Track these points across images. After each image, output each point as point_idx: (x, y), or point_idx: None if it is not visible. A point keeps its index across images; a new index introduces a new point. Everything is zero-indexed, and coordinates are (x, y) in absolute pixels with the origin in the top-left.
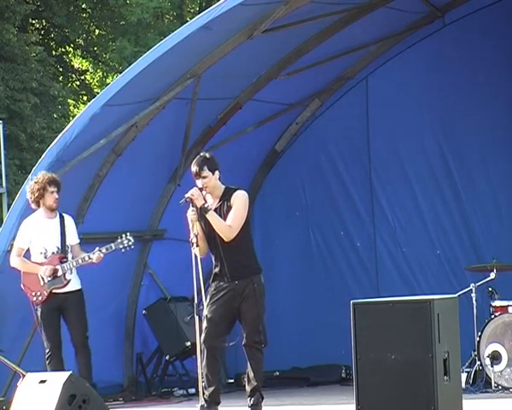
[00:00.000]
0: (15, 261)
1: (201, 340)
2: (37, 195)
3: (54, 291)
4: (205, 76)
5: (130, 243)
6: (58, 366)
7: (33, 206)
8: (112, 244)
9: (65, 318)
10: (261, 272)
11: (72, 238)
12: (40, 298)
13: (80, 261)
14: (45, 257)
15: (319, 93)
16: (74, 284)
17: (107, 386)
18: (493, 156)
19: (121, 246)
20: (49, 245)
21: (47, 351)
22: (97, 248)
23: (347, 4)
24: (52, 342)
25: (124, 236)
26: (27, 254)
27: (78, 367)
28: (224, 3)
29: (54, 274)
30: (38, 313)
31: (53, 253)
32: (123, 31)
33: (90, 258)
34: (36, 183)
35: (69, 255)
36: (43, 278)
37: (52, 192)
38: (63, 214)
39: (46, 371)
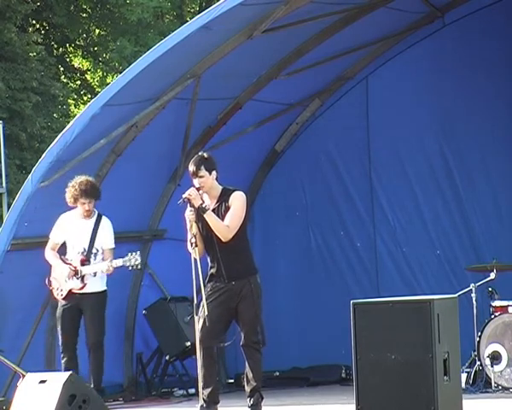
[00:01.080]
0: (46, 254)
1: (198, 340)
2: (70, 201)
3: (73, 291)
4: (205, 76)
5: (137, 263)
6: (69, 366)
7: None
8: (120, 259)
9: (83, 318)
10: (257, 272)
11: (105, 242)
12: (61, 295)
13: (95, 269)
14: (72, 255)
15: (319, 93)
16: (95, 286)
17: (107, 386)
18: (493, 156)
19: (128, 264)
20: (78, 245)
21: (60, 349)
22: (109, 260)
23: (347, 4)
24: (64, 341)
25: (133, 254)
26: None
27: (89, 369)
28: (224, 3)
29: (73, 275)
30: (58, 310)
31: (78, 253)
32: (123, 31)
33: (101, 269)
34: (72, 187)
35: (97, 258)
36: (66, 276)
37: (83, 204)
38: (102, 216)
39: (60, 369)
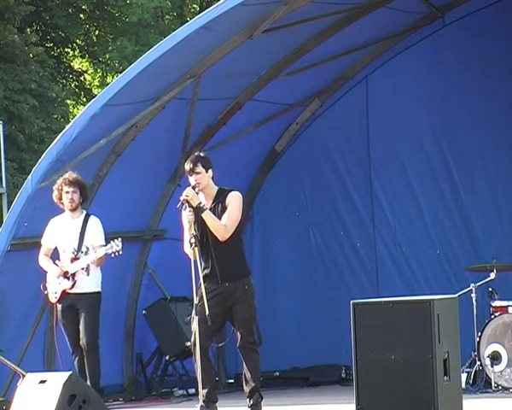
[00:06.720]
0: (40, 260)
1: (193, 340)
2: (55, 196)
3: (67, 291)
4: (205, 76)
5: (119, 249)
6: (82, 363)
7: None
8: (103, 248)
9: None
10: (251, 273)
11: (94, 240)
12: (55, 298)
13: (82, 264)
14: (64, 257)
15: (319, 93)
16: (89, 286)
17: (107, 386)
18: (493, 156)
19: (110, 251)
20: (68, 245)
21: (70, 350)
22: (93, 252)
23: (347, 4)
24: (71, 341)
25: (115, 241)
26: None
27: (87, 371)
28: (224, 3)
29: (62, 275)
30: (58, 313)
31: (69, 253)
32: (123, 31)
33: (87, 262)
34: (57, 183)
35: (89, 255)
36: (57, 278)
37: (67, 192)
38: (90, 215)
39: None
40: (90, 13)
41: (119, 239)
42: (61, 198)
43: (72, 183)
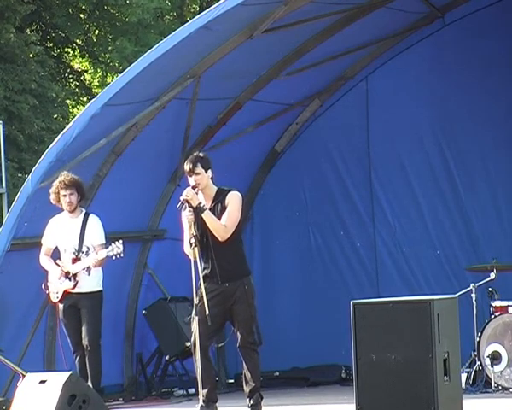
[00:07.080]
0: (40, 259)
1: (193, 341)
2: (53, 199)
3: (68, 291)
4: (205, 76)
5: (120, 251)
6: (83, 362)
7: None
8: (104, 250)
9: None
10: (251, 273)
11: (94, 239)
12: (57, 297)
13: (84, 265)
14: (65, 257)
15: (319, 93)
16: (90, 285)
17: (107, 386)
18: (493, 156)
19: (111, 253)
20: (69, 245)
21: (72, 349)
22: (94, 253)
23: (347, 4)
24: (72, 341)
25: (116, 243)
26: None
27: (88, 370)
28: (224, 3)
29: (64, 275)
30: (59, 313)
31: (70, 253)
32: (123, 31)
33: (89, 264)
34: (54, 186)
35: (90, 256)
36: (59, 279)
37: (64, 196)
38: (90, 214)
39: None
40: (90, 13)
41: (121, 241)
42: (59, 201)
43: (68, 186)
